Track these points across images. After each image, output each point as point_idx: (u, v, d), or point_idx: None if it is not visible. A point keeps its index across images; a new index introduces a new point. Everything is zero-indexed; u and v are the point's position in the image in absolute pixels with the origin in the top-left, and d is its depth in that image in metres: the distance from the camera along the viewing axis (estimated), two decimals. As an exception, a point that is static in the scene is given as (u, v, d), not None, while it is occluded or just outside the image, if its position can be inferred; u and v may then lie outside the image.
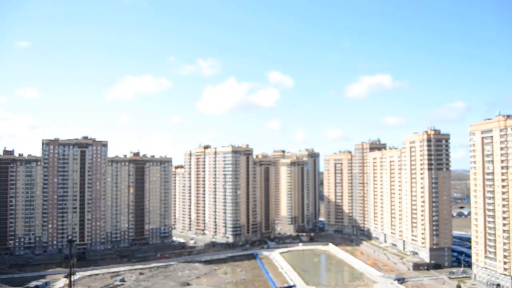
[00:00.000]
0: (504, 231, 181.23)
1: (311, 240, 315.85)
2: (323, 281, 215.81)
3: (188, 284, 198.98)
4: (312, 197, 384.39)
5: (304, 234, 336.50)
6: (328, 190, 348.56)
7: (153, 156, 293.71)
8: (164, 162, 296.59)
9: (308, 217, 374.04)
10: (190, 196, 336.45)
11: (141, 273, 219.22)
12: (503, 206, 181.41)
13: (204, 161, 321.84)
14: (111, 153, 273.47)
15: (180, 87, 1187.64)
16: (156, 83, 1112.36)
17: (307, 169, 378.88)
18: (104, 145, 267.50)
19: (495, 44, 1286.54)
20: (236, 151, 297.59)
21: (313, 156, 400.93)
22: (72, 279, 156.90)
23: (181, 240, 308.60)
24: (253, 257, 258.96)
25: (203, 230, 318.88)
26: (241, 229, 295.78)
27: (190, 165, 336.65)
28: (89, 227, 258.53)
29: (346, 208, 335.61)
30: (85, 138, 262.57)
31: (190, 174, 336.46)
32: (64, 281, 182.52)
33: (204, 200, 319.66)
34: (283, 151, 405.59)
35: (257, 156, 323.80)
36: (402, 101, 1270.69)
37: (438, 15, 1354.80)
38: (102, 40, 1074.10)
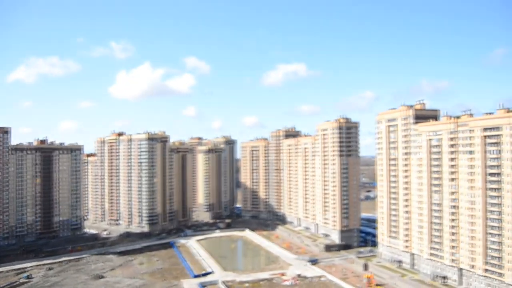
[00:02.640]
0: (405, 212, 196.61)
1: (228, 226, 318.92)
2: (240, 266, 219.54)
3: (102, 277, 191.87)
4: (229, 184, 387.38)
5: (221, 221, 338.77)
6: (245, 177, 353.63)
7: (62, 144, 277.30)
8: (74, 150, 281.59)
9: (225, 204, 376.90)
10: (103, 185, 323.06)
11: (50, 268, 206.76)
12: (405, 189, 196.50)
13: (118, 149, 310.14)
14: (14, 141, 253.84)
15: (90, 70, 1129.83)
16: (63, 65, 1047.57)
17: (224, 156, 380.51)
18: (6, 131, 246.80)
19: (400, 39, 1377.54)
20: (151, 138, 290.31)
21: (230, 143, 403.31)
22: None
23: (94, 231, 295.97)
24: (170, 246, 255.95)
25: (117, 220, 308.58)
26: (157, 217, 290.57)
27: (103, 153, 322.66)
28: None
29: (262, 194, 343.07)
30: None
31: (103, 162, 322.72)
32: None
33: (118, 189, 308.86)
34: (200, 138, 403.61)
35: (173, 143, 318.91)
36: (316, 89, 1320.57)
37: (351, 8, 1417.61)
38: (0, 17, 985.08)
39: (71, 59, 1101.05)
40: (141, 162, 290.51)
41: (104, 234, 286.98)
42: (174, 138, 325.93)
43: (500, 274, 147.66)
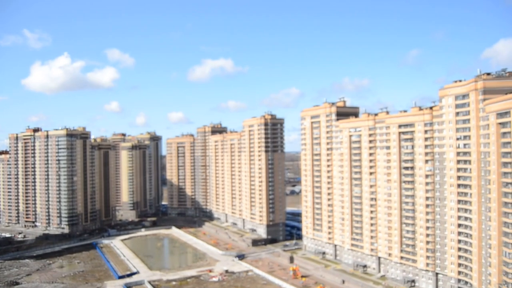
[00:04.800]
0: (328, 205, 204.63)
1: (154, 224, 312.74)
2: (166, 264, 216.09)
3: (17, 283, 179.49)
4: (154, 181, 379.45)
5: (147, 219, 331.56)
6: (171, 174, 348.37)
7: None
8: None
9: (150, 201, 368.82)
10: (17, 185, 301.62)
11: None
12: (328, 183, 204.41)
13: (33, 146, 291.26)
14: None
15: (0, 60, 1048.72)
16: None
17: (149, 152, 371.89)
18: None
19: (324, 37, 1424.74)
20: (71, 135, 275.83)
21: (155, 139, 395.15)
22: None
23: (7, 234, 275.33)
24: (92, 247, 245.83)
25: (34, 222, 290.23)
26: (78, 218, 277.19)
27: (16, 150, 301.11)
28: None
29: (189, 191, 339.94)
30: None
31: (17, 160, 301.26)
32: None
33: (34, 189, 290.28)
34: (124, 135, 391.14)
35: (95, 140, 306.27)
36: (243, 86, 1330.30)
37: (277, 4, 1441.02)
38: None
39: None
40: (59, 160, 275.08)
41: (19, 237, 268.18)
42: (95, 134, 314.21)
43: (414, 261, 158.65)
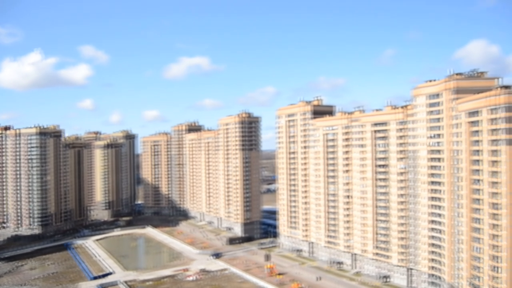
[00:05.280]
0: (304, 203, 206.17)
1: (129, 224, 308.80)
2: (142, 264, 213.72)
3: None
4: (129, 180, 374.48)
5: (121, 218, 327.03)
6: (146, 172, 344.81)
7: None
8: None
9: (125, 201, 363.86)
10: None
11: None
12: (303, 181, 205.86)
13: (3, 145, 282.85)
14: None
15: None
16: None
17: (123, 151, 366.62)
18: None
19: (300, 36, 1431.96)
20: (43, 133, 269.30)
21: (130, 137, 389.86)
22: None
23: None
24: (65, 247, 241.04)
25: (3, 223, 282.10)
26: (51, 218, 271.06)
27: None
28: None
29: (164, 190, 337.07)
30: None
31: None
32: None
33: (4, 189, 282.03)
34: (98, 133, 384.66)
35: (68, 138, 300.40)
36: (219, 84, 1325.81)
37: (253, 3, 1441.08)
38: None
39: None
40: (31, 159, 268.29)
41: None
42: (69, 133, 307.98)
43: (388, 257, 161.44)
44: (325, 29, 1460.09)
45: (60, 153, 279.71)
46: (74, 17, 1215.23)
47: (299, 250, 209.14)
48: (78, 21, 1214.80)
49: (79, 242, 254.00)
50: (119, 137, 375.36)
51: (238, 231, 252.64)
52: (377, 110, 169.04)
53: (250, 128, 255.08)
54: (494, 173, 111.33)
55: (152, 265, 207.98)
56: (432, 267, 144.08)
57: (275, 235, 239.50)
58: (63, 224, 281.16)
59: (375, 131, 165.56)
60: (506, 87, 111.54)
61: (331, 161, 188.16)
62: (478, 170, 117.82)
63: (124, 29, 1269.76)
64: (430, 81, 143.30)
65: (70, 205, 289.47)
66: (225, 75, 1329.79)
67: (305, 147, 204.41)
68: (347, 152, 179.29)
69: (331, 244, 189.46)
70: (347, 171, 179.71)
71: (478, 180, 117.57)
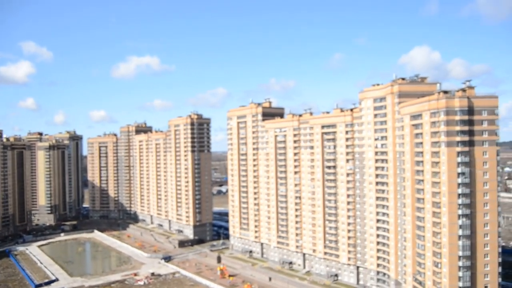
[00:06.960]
0: (255, 204, 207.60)
1: (75, 228, 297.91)
2: (89, 270, 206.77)
3: None
4: (74, 183, 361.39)
5: (67, 223, 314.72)
6: (93, 175, 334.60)
7: None
8: None
9: (70, 204, 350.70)
10: None
11: None
12: (254, 183, 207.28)
13: None
14: None
15: None
16: None
17: (68, 153, 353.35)
18: None
19: (251, 41, 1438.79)
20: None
21: (76, 139, 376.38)
22: None
23: None
24: (5, 254, 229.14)
25: None
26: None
27: None
28: None
29: (112, 192, 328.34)
30: None
31: None
32: None
33: None
34: (41, 134, 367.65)
35: (7, 139, 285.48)
36: (169, 84, 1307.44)
37: (205, 3, 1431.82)
38: None
39: None
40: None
41: None
42: (8, 133, 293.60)
43: (337, 256, 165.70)
44: (276, 31, 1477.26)
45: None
46: (14, 12, 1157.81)
47: (250, 251, 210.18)
48: (18, 16, 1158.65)
49: (20, 248, 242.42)
50: (63, 138, 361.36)
51: (189, 233, 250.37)
52: (326, 112, 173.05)
53: (200, 130, 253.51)
54: (435, 174, 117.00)
55: (100, 271, 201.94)
56: (379, 265, 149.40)
57: (226, 237, 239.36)
58: (3, 230, 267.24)
59: (324, 133, 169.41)
60: (446, 92, 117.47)
61: (281, 163, 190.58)
62: (420, 171, 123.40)
63: (68, 25, 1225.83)
64: (376, 85, 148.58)
65: (10, 209, 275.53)
66: (175, 76, 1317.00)
67: (255, 148, 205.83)
68: (296, 153, 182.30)
69: (282, 245, 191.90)
70: (296, 172, 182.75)
71: (421, 180, 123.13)
